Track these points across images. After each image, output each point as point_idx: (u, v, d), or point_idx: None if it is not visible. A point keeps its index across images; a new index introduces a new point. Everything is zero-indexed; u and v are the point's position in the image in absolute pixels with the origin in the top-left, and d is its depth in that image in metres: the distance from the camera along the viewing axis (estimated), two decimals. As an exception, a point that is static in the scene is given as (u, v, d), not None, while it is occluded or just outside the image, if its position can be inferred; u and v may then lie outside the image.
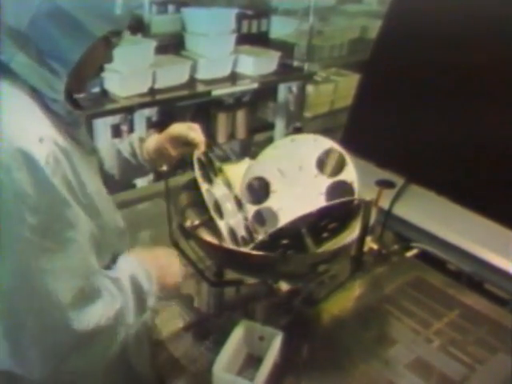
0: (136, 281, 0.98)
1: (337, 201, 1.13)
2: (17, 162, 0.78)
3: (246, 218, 1.30)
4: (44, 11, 0.84)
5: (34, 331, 0.83)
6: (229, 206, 1.26)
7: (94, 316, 0.87)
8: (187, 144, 1.21)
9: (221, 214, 1.19)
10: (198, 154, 1.19)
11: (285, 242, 1.09)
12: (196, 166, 1.17)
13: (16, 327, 0.83)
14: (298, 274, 1.18)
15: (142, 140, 1.28)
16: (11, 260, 0.81)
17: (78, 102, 1.02)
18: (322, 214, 1.05)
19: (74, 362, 0.88)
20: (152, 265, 1.04)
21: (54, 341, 0.85)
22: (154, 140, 1.26)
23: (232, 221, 1.23)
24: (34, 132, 0.83)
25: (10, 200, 0.79)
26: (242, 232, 1.25)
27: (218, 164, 1.29)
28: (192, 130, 1.22)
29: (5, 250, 0.80)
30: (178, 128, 1.23)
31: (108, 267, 1.00)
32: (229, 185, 1.30)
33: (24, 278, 0.82)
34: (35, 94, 0.89)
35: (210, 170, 1.24)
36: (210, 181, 1.22)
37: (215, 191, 1.22)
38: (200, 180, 1.16)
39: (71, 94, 0.98)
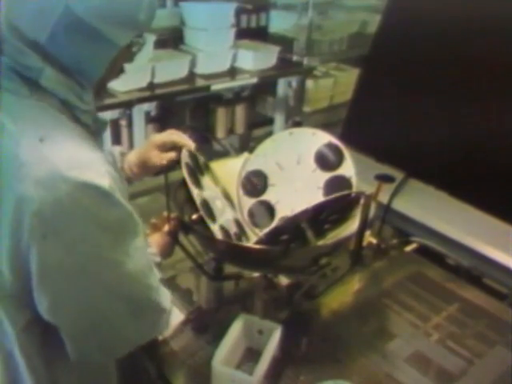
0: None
1: (333, 196, 1.13)
2: (80, 190, 0.77)
3: (235, 212, 1.30)
4: (63, 25, 0.80)
5: (130, 331, 0.92)
6: (218, 204, 1.26)
7: (167, 298, 0.97)
8: (172, 149, 1.20)
9: (211, 214, 1.19)
10: (184, 153, 1.18)
11: (284, 237, 1.09)
12: (184, 169, 1.16)
13: (110, 329, 0.90)
14: (299, 268, 1.18)
15: (122, 154, 1.26)
16: (91, 277, 0.83)
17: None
18: (319, 210, 1.05)
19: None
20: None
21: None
22: (135, 154, 1.24)
23: (223, 218, 1.23)
24: (87, 156, 0.82)
25: (81, 224, 0.79)
26: (233, 228, 1.25)
27: (204, 162, 1.27)
28: (175, 134, 1.21)
29: (85, 270, 0.82)
30: (161, 135, 1.22)
31: None
32: (216, 181, 1.29)
33: (105, 290, 0.86)
34: (64, 107, 0.86)
35: (196, 170, 1.24)
36: (197, 181, 1.22)
37: (203, 191, 1.22)
38: (189, 183, 1.16)
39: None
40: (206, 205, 1.21)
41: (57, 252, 0.79)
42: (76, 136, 0.84)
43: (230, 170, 1.33)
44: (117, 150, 1.27)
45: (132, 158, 1.24)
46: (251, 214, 1.31)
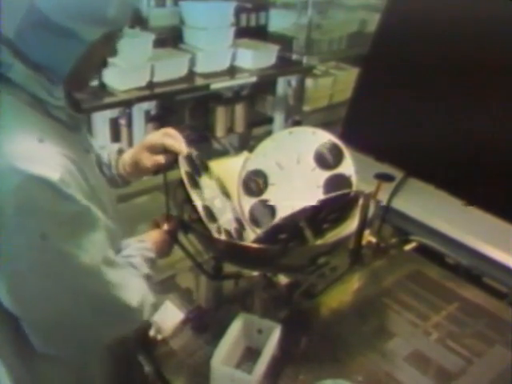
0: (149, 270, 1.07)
1: (332, 194, 1.13)
2: (29, 182, 0.78)
3: (233, 208, 1.30)
4: (29, 22, 0.81)
5: (81, 325, 0.91)
6: (218, 203, 1.25)
7: (137, 295, 0.97)
8: (165, 152, 1.16)
9: (213, 217, 1.19)
10: (181, 158, 1.15)
11: (283, 236, 1.09)
12: (184, 175, 1.16)
13: (71, 322, 0.90)
14: (297, 267, 1.18)
15: (120, 152, 1.25)
16: (42, 269, 0.84)
17: (79, 102, 1.01)
18: (318, 208, 1.05)
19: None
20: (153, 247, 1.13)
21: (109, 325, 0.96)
22: (130, 153, 1.23)
23: (223, 219, 1.23)
24: (42, 150, 0.82)
25: (30, 216, 0.80)
26: (233, 224, 1.24)
27: (200, 160, 1.25)
28: (168, 136, 1.16)
29: (36, 261, 0.83)
30: (153, 136, 1.18)
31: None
32: (211, 176, 1.29)
33: (58, 282, 0.86)
34: (35, 102, 0.87)
35: (194, 173, 1.23)
36: (196, 183, 1.21)
37: (203, 192, 1.22)
38: (188, 185, 1.15)
39: (72, 95, 0.97)
40: (209, 211, 1.20)
41: (8, 242, 0.80)
42: (39, 130, 0.84)
43: (229, 169, 1.33)
44: (115, 147, 1.27)
45: (126, 157, 1.23)
46: (252, 213, 1.31)
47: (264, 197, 1.33)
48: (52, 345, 0.93)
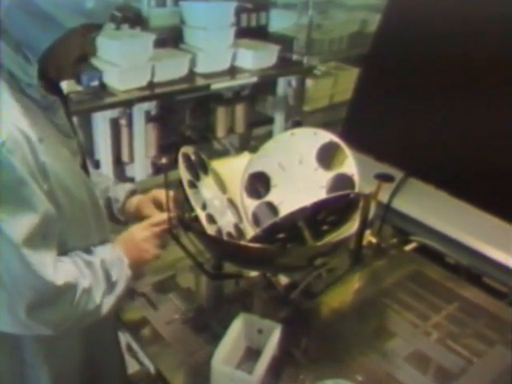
0: (106, 267, 1.05)
1: (333, 194, 1.13)
2: None
3: (237, 215, 1.30)
4: (16, 4, 0.90)
5: None
6: (217, 204, 1.25)
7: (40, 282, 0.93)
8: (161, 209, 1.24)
9: (212, 219, 1.19)
10: (182, 164, 1.19)
11: (281, 235, 1.08)
12: (185, 182, 1.17)
13: None
14: (296, 267, 1.18)
15: (133, 192, 1.33)
16: None
17: (61, 89, 1.07)
18: (317, 208, 1.05)
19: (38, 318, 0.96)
20: (127, 248, 1.12)
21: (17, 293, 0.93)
22: (138, 198, 1.31)
23: (222, 220, 1.23)
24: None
25: None
26: (230, 229, 1.25)
27: (198, 159, 1.27)
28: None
29: None
30: (160, 194, 1.27)
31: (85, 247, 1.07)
32: (219, 183, 1.30)
33: None
34: (12, 79, 0.94)
35: (193, 176, 1.23)
36: (194, 186, 1.22)
37: (204, 192, 1.22)
38: (186, 186, 1.16)
39: (51, 80, 1.02)
40: (210, 216, 1.21)
41: None
42: (6, 100, 0.92)
43: (230, 168, 1.33)
44: (129, 186, 1.35)
45: (135, 200, 1.31)
46: (255, 216, 1.31)
47: (267, 199, 1.32)
48: None
